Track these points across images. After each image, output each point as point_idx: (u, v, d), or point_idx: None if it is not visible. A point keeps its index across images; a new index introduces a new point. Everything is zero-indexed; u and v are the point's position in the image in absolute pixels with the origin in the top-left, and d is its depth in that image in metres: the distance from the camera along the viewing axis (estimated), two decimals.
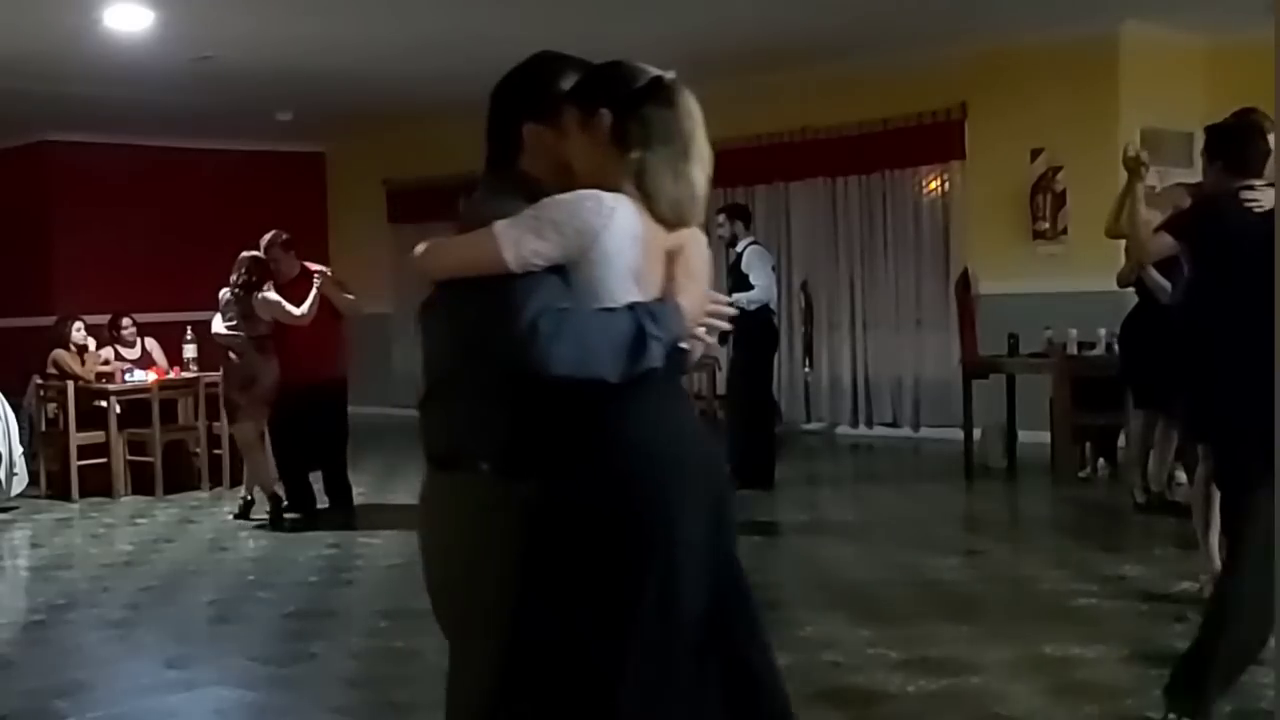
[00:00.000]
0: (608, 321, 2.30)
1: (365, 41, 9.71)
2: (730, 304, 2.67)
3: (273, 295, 8.25)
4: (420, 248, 2.44)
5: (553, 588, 2.35)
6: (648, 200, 2.39)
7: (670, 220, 2.41)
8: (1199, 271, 4.87)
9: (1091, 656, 4.90)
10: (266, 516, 8.29)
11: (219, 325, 8.45)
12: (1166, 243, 5.02)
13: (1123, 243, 6.26)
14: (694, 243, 2.47)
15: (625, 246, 2.33)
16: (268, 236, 8.50)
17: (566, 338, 2.25)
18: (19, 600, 6.72)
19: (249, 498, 8.56)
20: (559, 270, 2.30)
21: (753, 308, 8.58)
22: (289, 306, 8.21)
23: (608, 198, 2.34)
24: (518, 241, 2.29)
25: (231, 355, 8.39)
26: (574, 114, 2.43)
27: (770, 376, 9.27)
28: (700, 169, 2.44)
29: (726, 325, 2.56)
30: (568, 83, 2.47)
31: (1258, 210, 4.56)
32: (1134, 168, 5.80)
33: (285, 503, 8.37)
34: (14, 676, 5.21)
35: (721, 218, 9.02)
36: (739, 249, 8.94)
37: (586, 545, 2.34)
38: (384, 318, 13.90)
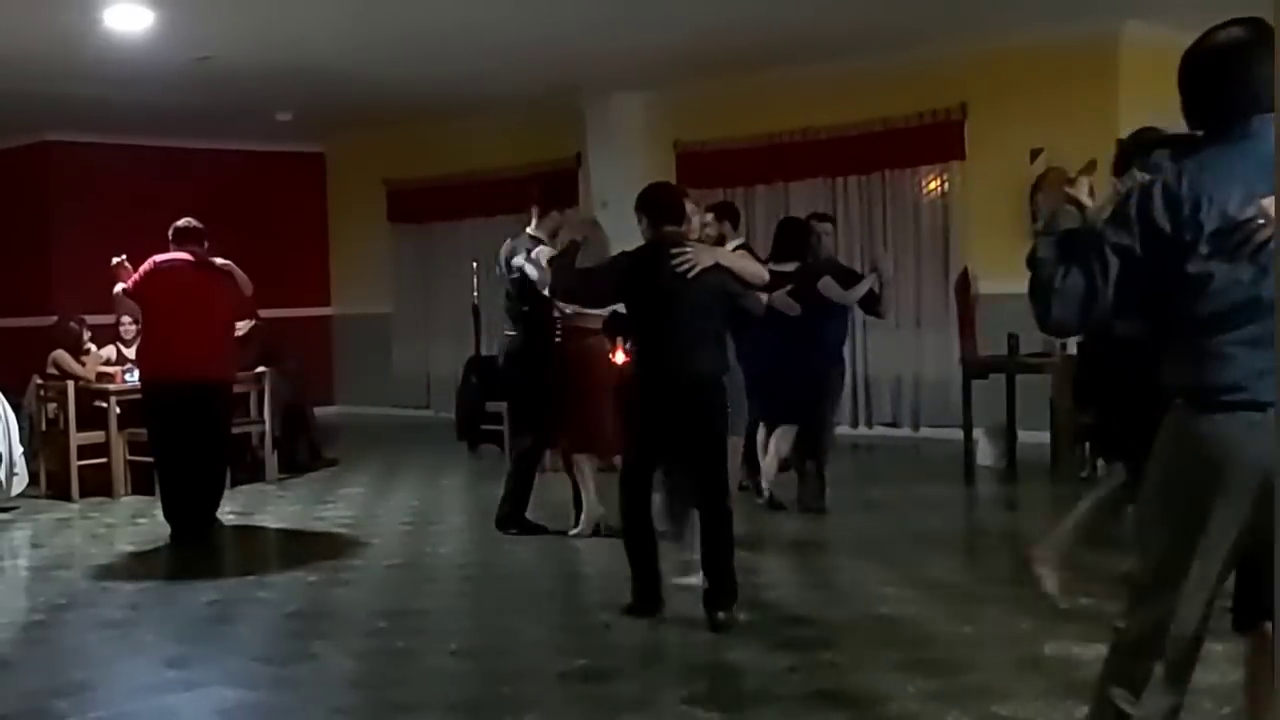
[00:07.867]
0: None
1: (365, 41, 9.70)
2: None
3: None
4: None
5: None
6: None
7: None
8: None
9: (1091, 656, 4.89)
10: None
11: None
12: None
13: None
14: None
15: None
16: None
17: None
18: (19, 600, 6.72)
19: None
20: None
21: None
22: None
23: None
24: None
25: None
26: None
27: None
28: None
29: None
30: None
31: None
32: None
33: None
34: (14, 676, 5.21)
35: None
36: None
37: None
38: (384, 317, 13.89)
